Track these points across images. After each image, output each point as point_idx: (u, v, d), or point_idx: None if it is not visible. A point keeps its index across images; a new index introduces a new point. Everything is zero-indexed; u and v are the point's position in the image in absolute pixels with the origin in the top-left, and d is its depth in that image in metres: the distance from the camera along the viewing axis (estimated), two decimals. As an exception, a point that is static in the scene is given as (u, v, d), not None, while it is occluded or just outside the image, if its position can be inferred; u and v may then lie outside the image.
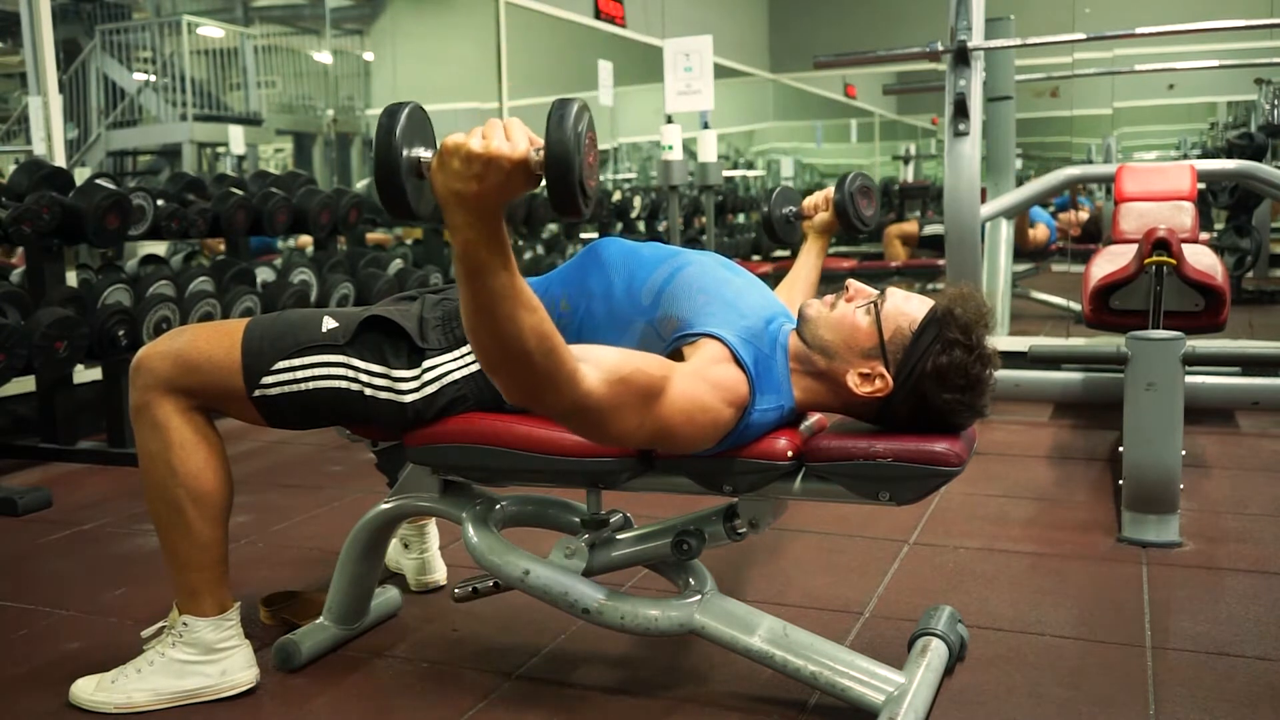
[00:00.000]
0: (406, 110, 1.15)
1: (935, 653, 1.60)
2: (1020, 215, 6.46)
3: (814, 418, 1.62)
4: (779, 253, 7.98)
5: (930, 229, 7.09)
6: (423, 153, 1.16)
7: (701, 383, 1.38)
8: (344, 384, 1.56)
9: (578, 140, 1.10)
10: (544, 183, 1.13)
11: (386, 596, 1.93)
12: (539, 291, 1.58)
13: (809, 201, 2.00)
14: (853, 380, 1.48)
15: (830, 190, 1.96)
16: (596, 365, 1.27)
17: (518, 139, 1.11)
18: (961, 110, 3.43)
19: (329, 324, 1.59)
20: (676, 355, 1.45)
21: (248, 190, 4.05)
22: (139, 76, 7.09)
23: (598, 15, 7.71)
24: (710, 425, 1.40)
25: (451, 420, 1.57)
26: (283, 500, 2.78)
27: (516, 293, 1.16)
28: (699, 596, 1.57)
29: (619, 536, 1.64)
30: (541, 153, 1.11)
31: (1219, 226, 6.91)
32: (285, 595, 1.96)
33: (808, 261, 2.00)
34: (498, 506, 1.68)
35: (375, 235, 5.76)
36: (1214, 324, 2.84)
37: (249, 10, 7.78)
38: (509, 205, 1.14)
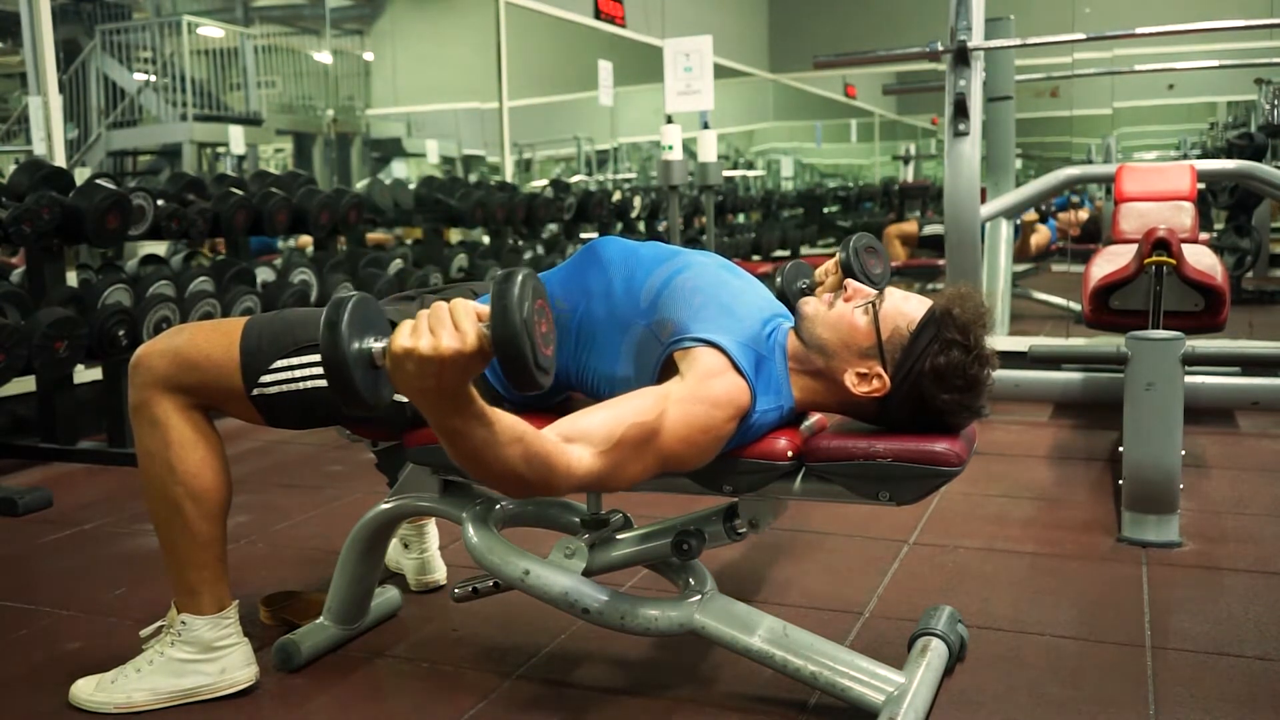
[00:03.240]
0: (350, 305, 1.13)
1: (935, 653, 1.60)
2: (1026, 225, 6.47)
3: (814, 418, 1.62)
4: (779, 252, 7.99)
5: (930, 229, 7.09)
6: (373, 343, 1.14)
7: (698, 405, 1.38)
8: (343, 384, 1.56)
9: (526, 325, 1.09)
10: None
11: (386, 596, 1.93)
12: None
13: (820, 270, 2.01)
14: (850, 380, 1.48)
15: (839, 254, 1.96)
16: (587, 441, 1.30)
17: (466, 329, 1.10)
18: (961, 110, 3.42)
19: (328, 323, 1.59)
20: (671, 361, 1.45)
21: (248, 190, 4.05)
22: (139, 76, 7.09)
23: (598, 15, 7.71)
24: (714, 441, 1.41)
25: (451, 420, 1.57)
26: (283, 500, 2.78)
27: (497, 437, 1.19)
28: (699, 596, 1.57)
29: (619, 536, 1.64)
30: (491, 330, 1.10)
31: (1219, 226, 6.91)
32: (285, 595, 1.96)
33: None
34: (498, 506, 1.68)
35: (375, 235, 5.76)
36: (1214, 324, 2.84)
37: (249, 10, 7.78)
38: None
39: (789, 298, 2.01)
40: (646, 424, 1.34)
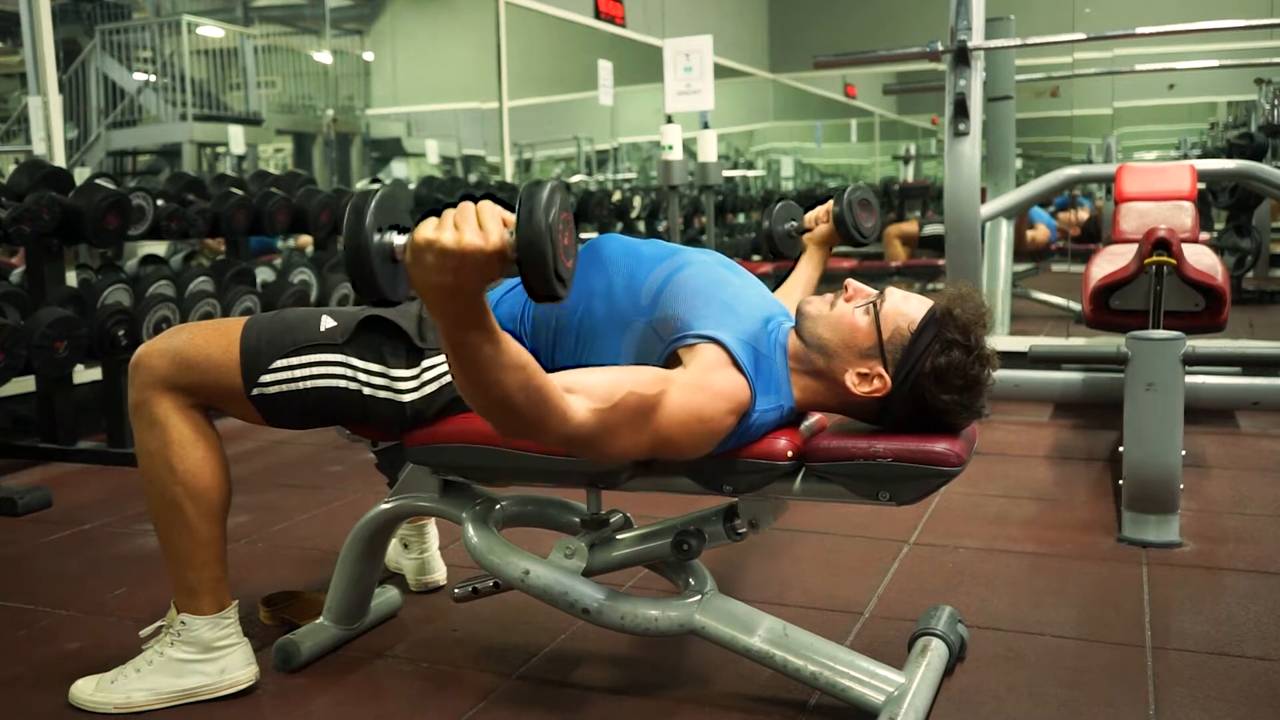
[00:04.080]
0: (376, 196, 1.14)
1: (935, 653, 1.60)
2: (1020, 218, 6.46)
3: (814, 417, 1.62)
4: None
5: (930, 229, 7.09)
6: (395, 238, 1.15)
7: (700, 393, 1.38)
8: (342, 383, 1.56)
9: (550, 230, 1.09)
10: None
11: (386, 596, 1.93)
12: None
13: (810, 215, 1.99)
14: (851, 380, 1.48)
15: (831, 203, 1.95)
16: (586, 395, 1.29)
17: (490, 229, 1.10)
18: (961, 110, 3.42)
19: (327, 323, 1.59)
20: (674, 358, 1.45)
21: (248, 190, 4.05)
22: (139, 76, 7.09)
23: (598, 15, 7.71)
24: (710, 434, 1.40)
25: (451, 420, 1.57)
26: (283, 500, 2.78)
27: (501, 357, 1.17)
28: (699, 596, 1.57)
29: (619, 536, 1.64)
30: (515, 235, 1.10)
31: (1219, 226, 6.91)
32: (285, 595, 1.96)
33: (805, 273, 1.97)
34: (498, 506, 1.68)
35: (375, 235, 5.75)
36: (1214, 324, 2.84)
37: (249, 10, 7.78)
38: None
39: (775, 238, 1.99)
40: (647, 397, 1.33)
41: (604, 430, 1.30)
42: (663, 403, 1.35)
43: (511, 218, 1.11)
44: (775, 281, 1.99)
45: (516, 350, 1.19)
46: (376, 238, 1.13)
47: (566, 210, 1.14)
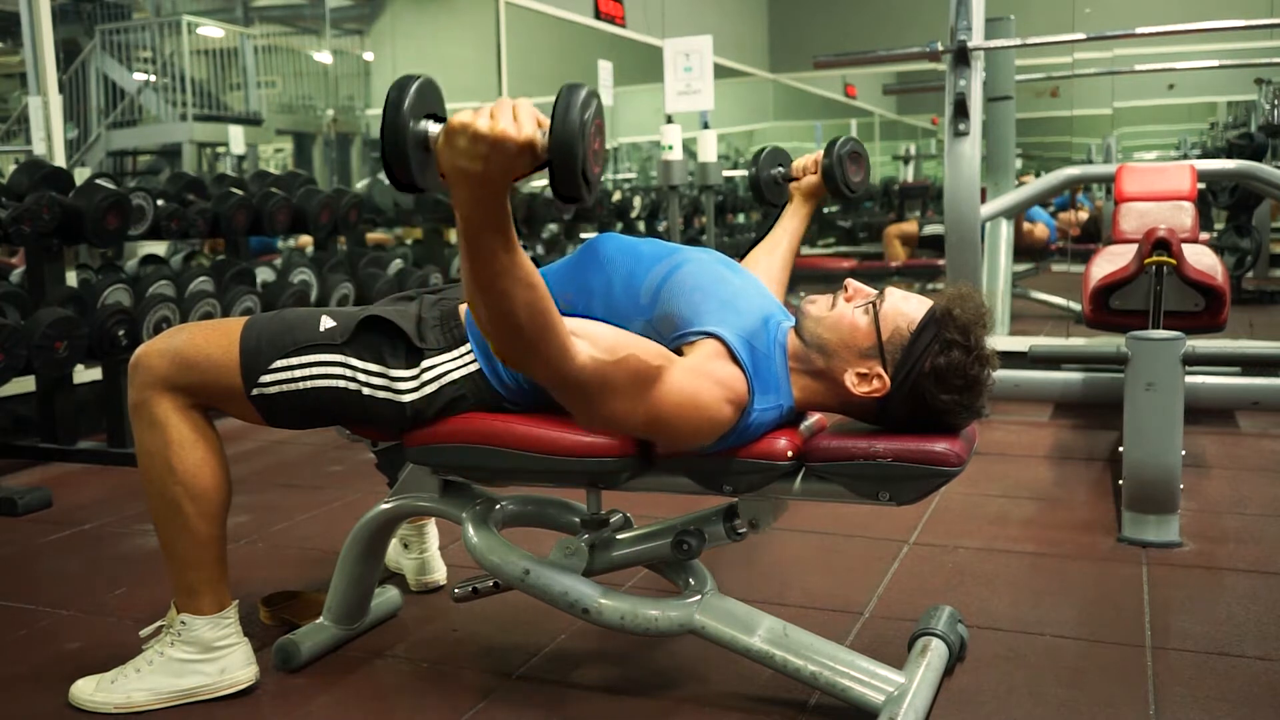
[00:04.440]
0: (417, 83, 1.15)
1: (935, 653, 1.60)
2: (1017, 215, 6.47)
3: (814, 417, 1.62)
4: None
5: (930, 229, 7.09)
6: (430, 126, 1.16)
7: (700, 379, 1.39)
8: (342, 383, 1.56)
9: (583, 128, 1.10)
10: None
11: (386, 596, 1.93)
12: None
13: (799, 163, 1.95)
14: (850, 380, 1.48)
15: (820, 153, 1.92)
16: (591, 342, 1.30)
17: (524, 121, 1.11)
18: (961, 110, 3.42)
19: (327, 323, 1.59)
20: (676, 355, 1.45)
21: (248, 190, 4.05)
22: (139, 76, 7.09)
23: (598, 15, 7.71)
24: (706, 422, 1.40)
25: (451, 420, 1.57)
26: (283, 500, 2.78)
27: (515, 269, 1.18)
28: (699, 596, 1.57)
29: (619, 536, 1.64)
30: (547, 136, 1.11)
31: (1219, 226, 6.91)
32: (285, 595, 1.96)
33: (791, 225, 1.95)
34: (498, 506, 1.68)
35: (375, 235, 5.76)
36: (1214, 324, 2.84)
37: (249, 10, 7.78)
38: (513, 186, 1.15)
39: (762, 184, 1.97)
40: (649, 365, 1.34)
41: (601, 383, 1.30)
42: (663, 378, 1.35)
43: (546, 119, 1.13)
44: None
45: (531, 269, 1.20)
46: (413, 125, 1.14)
47: (600, 117, 1.15)
